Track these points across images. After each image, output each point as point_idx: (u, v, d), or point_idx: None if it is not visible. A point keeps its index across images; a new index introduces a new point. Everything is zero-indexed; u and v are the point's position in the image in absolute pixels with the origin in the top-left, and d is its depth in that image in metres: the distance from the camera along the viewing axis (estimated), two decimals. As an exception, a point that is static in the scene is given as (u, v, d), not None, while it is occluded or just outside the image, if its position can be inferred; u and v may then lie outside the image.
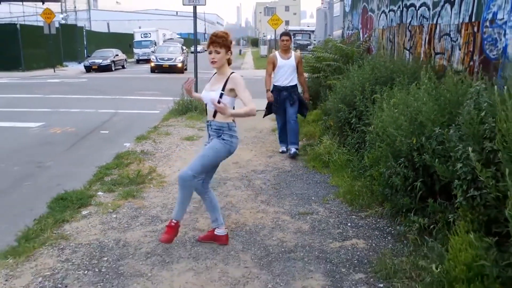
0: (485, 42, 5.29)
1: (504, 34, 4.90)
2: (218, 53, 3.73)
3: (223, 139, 3.77)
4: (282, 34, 7.15)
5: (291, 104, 6.97)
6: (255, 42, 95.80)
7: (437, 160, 3.43)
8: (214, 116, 3.78)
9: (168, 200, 5.07)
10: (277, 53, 7.13)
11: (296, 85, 7.08)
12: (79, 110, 12.32)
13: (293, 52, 7.13)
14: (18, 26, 28.92)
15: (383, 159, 4.36)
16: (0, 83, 20.88)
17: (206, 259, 3.67)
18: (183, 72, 26.32)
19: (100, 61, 29.35)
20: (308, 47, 31.70)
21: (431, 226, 3.56)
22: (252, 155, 7.15)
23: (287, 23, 78.65)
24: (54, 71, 28.47)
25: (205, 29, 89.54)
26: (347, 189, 4.95)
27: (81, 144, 8.36)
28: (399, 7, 8.24)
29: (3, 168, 6.67)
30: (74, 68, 32.50)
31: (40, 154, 7.48)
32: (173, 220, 3.75)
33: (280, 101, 7.01)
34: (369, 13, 10.56)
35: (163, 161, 6.71)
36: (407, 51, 7.72)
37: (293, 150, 6.90)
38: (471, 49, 5.62)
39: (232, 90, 3.72)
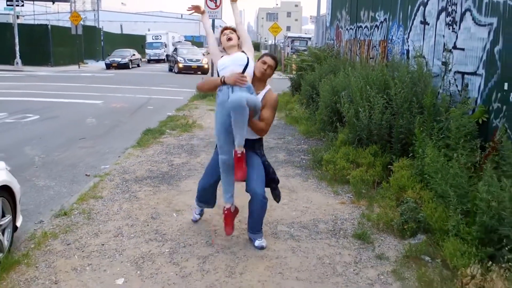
0: (388, 52, 9.40)
1: (394, 48, 9.00)
2: (232, 33, 4.33)
3: None
4: (266, 55, 4.40)
5: (254, 164, 4.27)
6: (256, 47, 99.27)
7: (340, 105, 7.51)
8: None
9: (207, 134, 9.15)
10: None
11: (261, 139, 4.46)
12: (121, 95, 16.42)
13: (267, 88, 4.36)
14: (49, 26, 33.03)
15: (322, 110, 8.46)
16: (42, 75, 25.00)
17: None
18: (207, 73, 27.70)
19: (119, 59, 33.23)
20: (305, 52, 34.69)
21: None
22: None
23: (288, 29, 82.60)
24: (79, 67, 32.61)
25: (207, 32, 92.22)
26: (305, 129, 9.07)
27: (138, 112, 12.49)
28: (354, 27, 12.38)
29: (99, 122, 10.79)
30: (94, 65, 36.61)
31: (115, 116, 11.59)
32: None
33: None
34: (340, 29, 14.73)
35: (199, 119, 10.83)
36: (357, 56, 11.84)
37: (258, 242, 4.32)
38: (384, 56, 9.72)
39: None
